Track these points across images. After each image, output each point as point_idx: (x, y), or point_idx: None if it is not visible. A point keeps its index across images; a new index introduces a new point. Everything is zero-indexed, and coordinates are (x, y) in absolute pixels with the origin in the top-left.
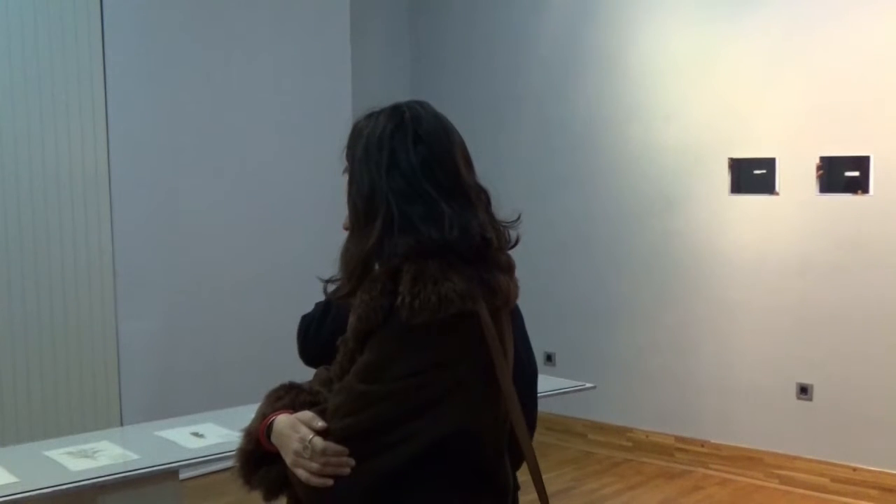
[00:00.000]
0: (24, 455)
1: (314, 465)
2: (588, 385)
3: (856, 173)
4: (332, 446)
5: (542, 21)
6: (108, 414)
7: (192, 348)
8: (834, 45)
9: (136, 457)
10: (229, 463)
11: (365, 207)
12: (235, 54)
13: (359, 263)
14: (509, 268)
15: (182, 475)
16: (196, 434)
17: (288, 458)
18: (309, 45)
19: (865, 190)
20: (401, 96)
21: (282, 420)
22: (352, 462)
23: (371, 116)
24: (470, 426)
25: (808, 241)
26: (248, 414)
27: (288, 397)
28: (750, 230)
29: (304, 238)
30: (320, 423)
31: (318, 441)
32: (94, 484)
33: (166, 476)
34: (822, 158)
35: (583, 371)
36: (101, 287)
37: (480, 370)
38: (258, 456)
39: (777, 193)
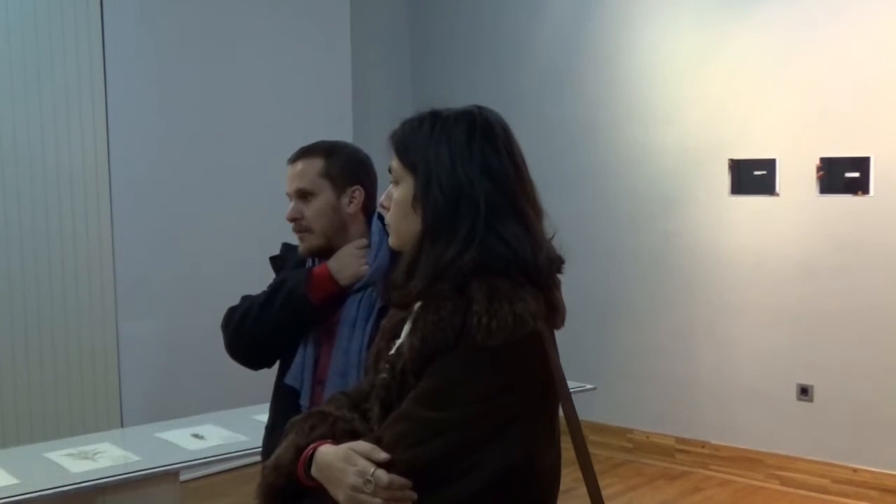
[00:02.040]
0: (25, 456)
1: (377, 501)
2: (588, 386)
3: (856, 174)
4: (398, 479)
5: (541, 21)
6: (109, 415)
7: (193, 349)
8: (834, 46)
9: (136, 458)
10: (230, 464)
11: (448, 214)
12: (236, 52)
13: (435, 273)
14: (560, 286)
15: (182, 477)
16: (196, 436)
17: (340, 494)
18: (309, 43)
19: (866, 191)
20: (401, 93)
21: (328, 452)
22: (414, 496)
23: (437, 117)
24: (534, 454)
25: (809, 242)
26: (248, 416)
27: (324, 426)
28: (750, 231)
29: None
30: (382, 455)
31: (383, 474)
32: (94, 485)
33: (167, 478)
34: (823, 159)
35: (583, 372)
36: (101, 288)
37: (541, 393)
38: (288, 492)
39: (777, 194)
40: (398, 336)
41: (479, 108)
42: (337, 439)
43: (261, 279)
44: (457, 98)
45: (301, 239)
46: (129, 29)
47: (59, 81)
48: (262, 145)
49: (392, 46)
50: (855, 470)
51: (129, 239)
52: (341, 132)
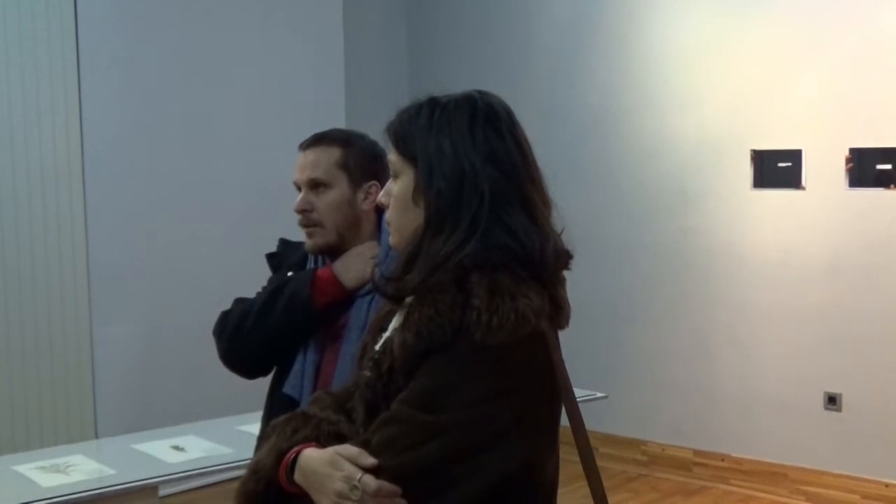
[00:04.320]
0: None
1: None
2: (599, 394)
3: (888, 166)
4: (387, 486)
5: (549, 1)
6: (82, 426)
7: (173, 355)
8: (865, 28)
9: (112, 472)
10: (213, 479)
11: (452, 204)
12: (220, 36)
13: (434, 266)
14: (564, 283)
15: (161, 492)
16: (176, 447)
17: (325, 501)
18: (297, 25)
19: None
20: (397, 84)
21: (312, 456)
22: None
23: (436, 104)
24: (535, 460)
25: (837, 239)
26: (233, 426)
27: (308, 428)
28: (774, 228)
29: (292, 236)
30: (370, 460)
31: (371, 480)
32: (66, 501)
33: (144, 493)
34: (852, 150)
35: (593, 379)
36: (74, 289)
37: (544, 397)
38: (268, 499)
39: (803, 188)
40: (385, 330)
41: (481, 92)
42: (321, 442)
43: (246, 277)
44: (456, 85)
45: (309, 234)
46: (104, 11)
47: (28, 73)
48: (248, 135)
49: (388, 31)
50: (887, 485)
51: (103, 235)
52: (333, 122)
